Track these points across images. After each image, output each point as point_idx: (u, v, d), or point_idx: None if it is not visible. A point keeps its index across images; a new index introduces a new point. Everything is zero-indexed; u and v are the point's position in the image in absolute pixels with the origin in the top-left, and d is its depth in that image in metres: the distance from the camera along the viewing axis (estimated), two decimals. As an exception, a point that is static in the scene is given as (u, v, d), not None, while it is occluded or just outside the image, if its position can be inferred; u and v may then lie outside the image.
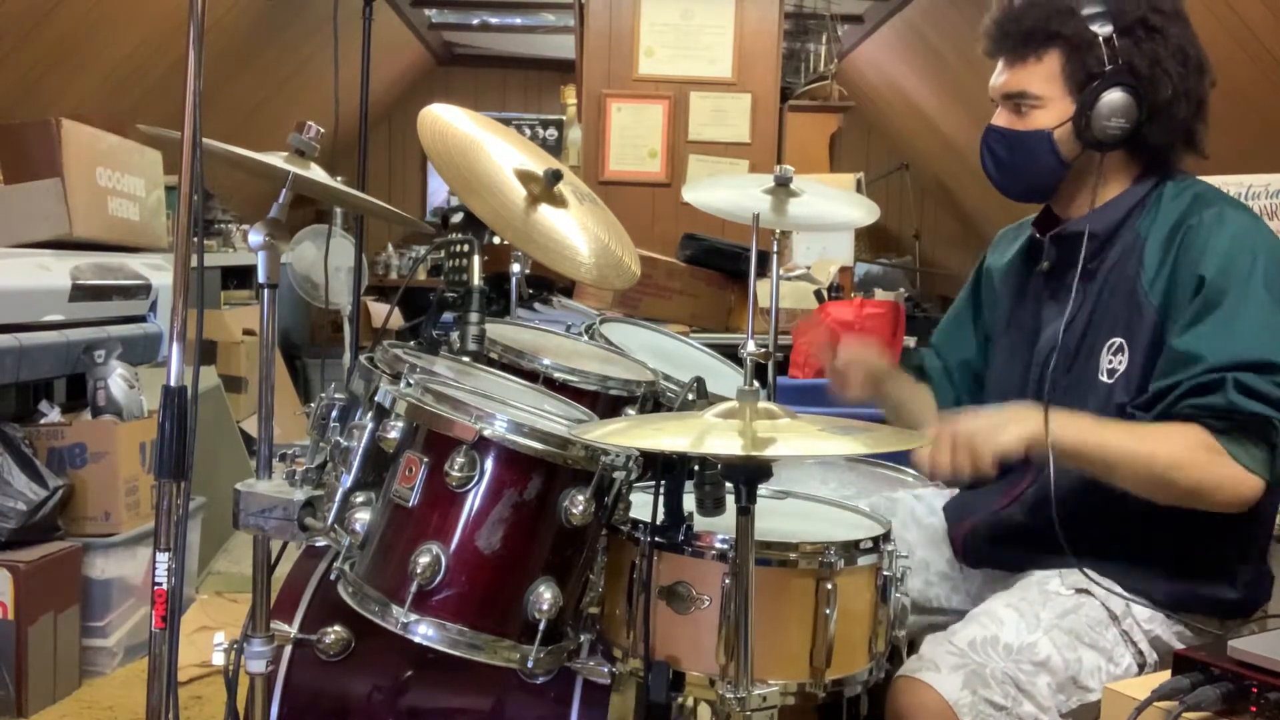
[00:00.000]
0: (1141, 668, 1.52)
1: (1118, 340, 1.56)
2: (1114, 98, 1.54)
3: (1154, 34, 1.55)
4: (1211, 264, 1.47)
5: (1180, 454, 1.44)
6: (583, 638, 1.46)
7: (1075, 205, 1.65)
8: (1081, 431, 1.46)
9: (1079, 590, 1.54)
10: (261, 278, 1.47)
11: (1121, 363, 1.55)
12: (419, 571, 1.31)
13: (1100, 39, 1.53)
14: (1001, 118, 1.64)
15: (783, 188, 1.90)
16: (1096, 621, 1.51)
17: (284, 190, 1.49)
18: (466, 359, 1.69)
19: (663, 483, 1.40)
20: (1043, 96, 1.58)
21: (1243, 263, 1.46)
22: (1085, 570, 1.52)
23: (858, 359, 1.84)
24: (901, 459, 2.06)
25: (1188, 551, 1.54)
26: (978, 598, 1.66)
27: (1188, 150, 1.61)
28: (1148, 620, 1.53)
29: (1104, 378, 1.56)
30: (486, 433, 1.33)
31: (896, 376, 1.86)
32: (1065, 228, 1.65)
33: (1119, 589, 1.54)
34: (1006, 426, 1.45)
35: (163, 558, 1.31)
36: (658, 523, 1.40)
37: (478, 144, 1.72)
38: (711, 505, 1.38)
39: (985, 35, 1.64)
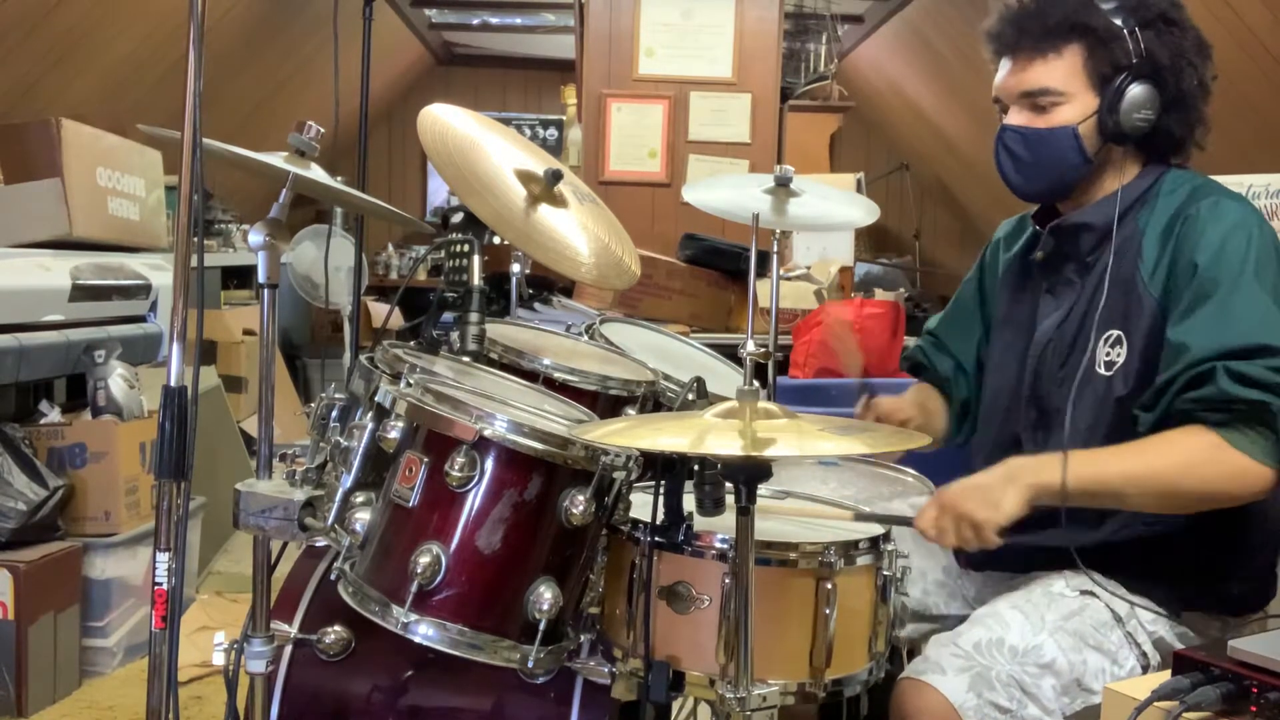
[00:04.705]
0: (1145, 670, 1.51)
1: (1115, 332, 1.55)
2: (1139, 91, 1.54)
3: (1173, 26, 1.55)
4: (1206, 252, 1.47)
5: (1184, 458, 1.43)
6: (583, 638, 1.46)
7: (1084, 200, 1.64)
8: (1081, 470, 1.44)
9: (1083, 592, 1.54)
10: (261, 278, 1.46)
11: (1120, 355, 1.54)
12: (419, 571, 1.31)
13: (1125, 32, 1.53)
14: (1019, 117, 1.60)
15: (783, 188, 1.90)
16: (1101, 623, 1.51)
17: (284, 190, 1.49)
18: (466, 359, 1.69)
19: (663, 483, 1.40)
20: (1065, 92, 1.56)
21: (1236, 251, 1.46)
22: (1091, 574, 1.52)
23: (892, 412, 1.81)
24: (903, 460, 2.05)
25: (1193, 550, 1.53)
26: (977, 601, 1.66)
27: (1194, 143, 1.61)
28: (1152, 622, 1.53)
29: (1101, 370, 1.56)
30: (486, 433, 1.32)
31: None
32: (1065, 219, 1.64)
33: (1123, 591, 1.53)
34: (1004, 496, 1.44)
35: (163, 558, 1.31)
36: (658, 523, 1.40)
37: (478, 144, 1.72)
38: (711, 505, 1.38)
39: (995, 36, 1.62)
